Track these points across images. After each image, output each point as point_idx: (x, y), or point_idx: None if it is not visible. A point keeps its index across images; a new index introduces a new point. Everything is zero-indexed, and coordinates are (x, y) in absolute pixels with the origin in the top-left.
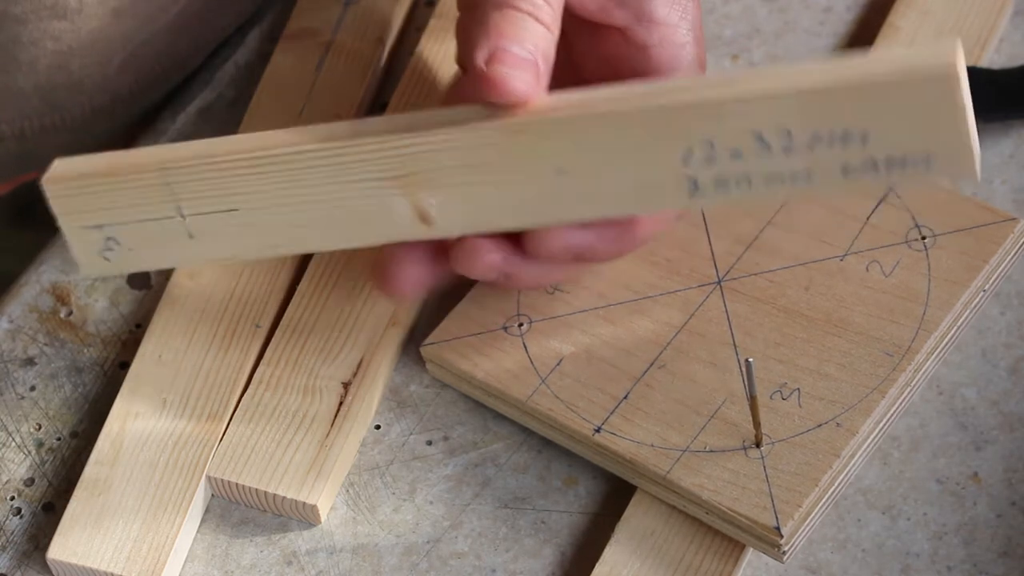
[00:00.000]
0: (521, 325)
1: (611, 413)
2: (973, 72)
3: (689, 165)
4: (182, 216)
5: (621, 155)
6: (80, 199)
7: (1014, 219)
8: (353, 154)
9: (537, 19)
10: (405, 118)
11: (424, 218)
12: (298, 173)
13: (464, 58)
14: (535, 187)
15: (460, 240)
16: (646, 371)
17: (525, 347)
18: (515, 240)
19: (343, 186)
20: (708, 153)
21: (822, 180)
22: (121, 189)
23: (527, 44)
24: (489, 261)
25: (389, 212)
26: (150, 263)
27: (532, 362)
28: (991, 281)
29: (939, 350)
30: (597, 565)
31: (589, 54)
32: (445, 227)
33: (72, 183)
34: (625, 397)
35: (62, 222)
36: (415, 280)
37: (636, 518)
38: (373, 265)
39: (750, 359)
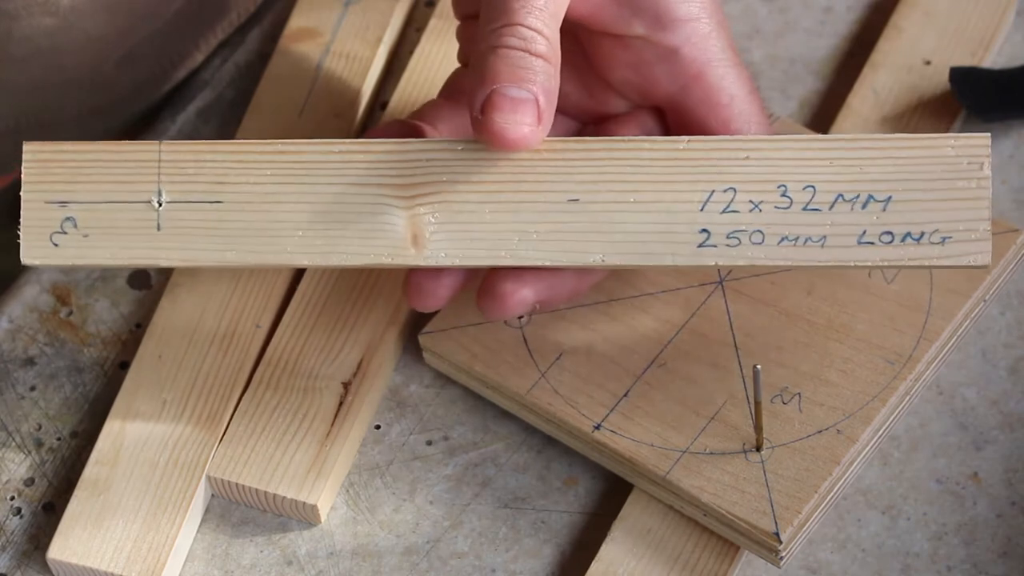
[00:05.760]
0: (521, 317)
1: (611, 410)
2: (974, 72)
3: (706, 210)
4: (158, 203)
5: (638, 190)
6: (56, 168)
7: (1016, 230)
8: (362, 155)
9: (532, 53)
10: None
11: (416, 240)
12: (300, 167)
13: (468, 106)
14: (541, 214)
15: (486, 284)
16: (647, 369)
17: (525, 339)
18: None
19: (344, 187)
20: (728, 198)
21: (835, 244)
22: (107, 162)
23: (524, 84)
24: (519, 298)
25: (383, 226)
26: (101, 256)
27: (532, 355)
28: (992, 291)
29: (939, 359)
30: (593, 563)
31: (615, 63)
32: (434, 254)
33: (55, 148)
34: (625, 395)
35: (26, 191)
36: (444, 296)
37: (633, 516)
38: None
39: (757, 366)
